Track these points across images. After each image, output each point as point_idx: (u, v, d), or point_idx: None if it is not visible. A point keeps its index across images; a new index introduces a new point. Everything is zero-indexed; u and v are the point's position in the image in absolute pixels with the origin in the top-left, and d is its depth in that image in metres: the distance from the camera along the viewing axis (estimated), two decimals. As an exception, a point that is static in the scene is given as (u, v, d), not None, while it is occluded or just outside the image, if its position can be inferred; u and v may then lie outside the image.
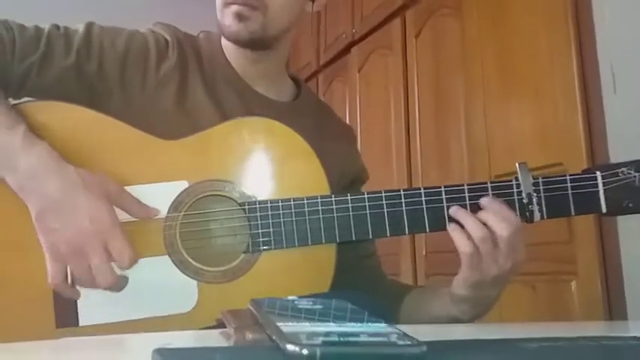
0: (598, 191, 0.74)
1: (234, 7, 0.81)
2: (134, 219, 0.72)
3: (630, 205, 0.74)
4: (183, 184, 0.75)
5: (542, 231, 1.23)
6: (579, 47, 1.31)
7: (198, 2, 1.91)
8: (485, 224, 0.71)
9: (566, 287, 1.29)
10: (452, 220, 0.73)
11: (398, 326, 0.43)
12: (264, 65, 0.89)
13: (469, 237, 0.71)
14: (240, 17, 0.82)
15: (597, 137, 1.27)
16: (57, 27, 0.81)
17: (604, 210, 0.75)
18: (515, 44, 1.49)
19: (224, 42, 0.89)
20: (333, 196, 0.76)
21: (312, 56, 2.59)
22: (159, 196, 0.74)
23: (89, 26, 0.82)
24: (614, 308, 1.21)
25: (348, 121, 2.21)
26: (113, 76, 0.80)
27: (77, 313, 0.71)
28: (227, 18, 0.82)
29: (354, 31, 2.26)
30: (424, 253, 1.76)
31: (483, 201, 0.73)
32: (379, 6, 2.09)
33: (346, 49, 2.33)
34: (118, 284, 0.69)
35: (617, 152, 1.21)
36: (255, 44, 0.85)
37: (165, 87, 0.82)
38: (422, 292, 0.89)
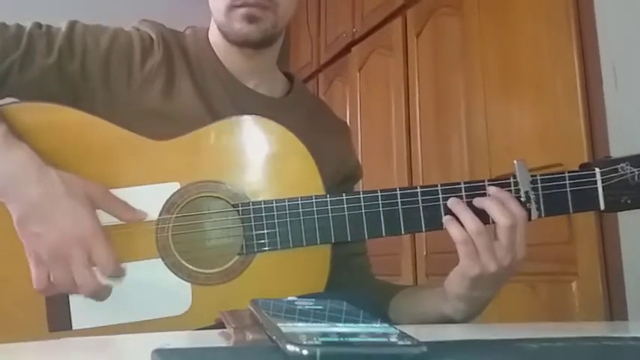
0: (596, 188, 0.73)
1: (244, 10, 0.80)
2: (124, 222, 0.72)
3: (628, 201, 0.73)
4: (175, 186, 0.74)
5: (542, 231, 1.23)
6: (581, 46, 1.31)
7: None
8: (486, 213, 0.71)
9: (567, 287, 1.29)
10: (448, 212, 0.72)
11: (397, 326, 0.43)
12: (257, 61, 0.88)
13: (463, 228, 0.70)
14: (251, 19, 0.80)
15: (598, 137, 1.26)
16: (39, 25, 0.79)
17: (602, 207, 0.74)
18: (516, 43, 1.48)
19: (212, 38, 0.88)
20: (328, 196, 0.75)
21: (313, 56, 2.59)
22: (150, 198, 0.73)
23: (72, 25, 0.81)
24: (614, 308, 1.21)
25: (348, 121, 2.21)
26: (96, 76, 0.79)
27: (70, 316, 0.70)
28: (235, 21, 0.81)
29: (354, 30, 2.26)
30: (425, 253, 1.76)
31: (491, 189, 0.72)
32: (380, 5, 2.09)
33: (346, 49, 2.32)
34: (101, 293, 0.68)
35: (619, 153, 1.20)
36: (264, 43, 0.84)
37: (151, 85, 0.81)
38: (412, 291, 0.87)
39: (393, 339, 0.39)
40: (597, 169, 0.74)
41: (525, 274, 1.27)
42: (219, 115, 0.80)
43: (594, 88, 1.28)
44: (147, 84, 0.81)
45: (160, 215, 0.73)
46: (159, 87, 0.81)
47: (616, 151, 1.22)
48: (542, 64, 1.40)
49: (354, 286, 0.87)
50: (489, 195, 0.72)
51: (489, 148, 1.54)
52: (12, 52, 0.75)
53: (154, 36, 0.84)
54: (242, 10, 0.80)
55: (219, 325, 0.50)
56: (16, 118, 0.72)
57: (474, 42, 1.62)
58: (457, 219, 0.71)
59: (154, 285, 0.72)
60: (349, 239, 0.75)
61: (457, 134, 1.67)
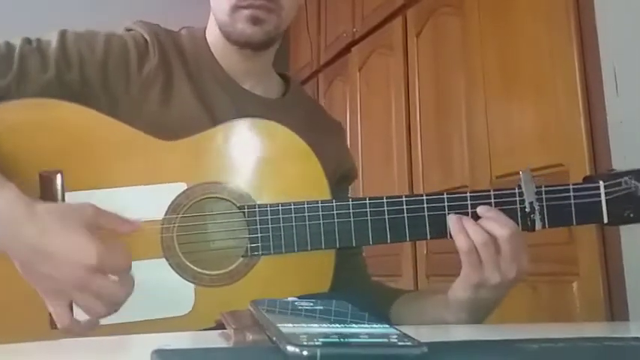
0: (600, 201, 0.75)
1: (249, 11, 0.80)
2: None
3: (631, 215, 0.75)
4: (181, 186, 0.74)
5: (543, 232, 1.22)
6: (581, 47, 1.31)
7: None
8: (485, 230, 0.71)
9: (568, 288, 1.29)
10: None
11: (398, 327, 0.42)
12: (255, 62, 0.88)
13: (469, 237, 0.71)
14: (255, 20, 0.80)
15: (599, 138, 1.26)
16: (29, 41, 0.78)
17: (605, 220, 0.75)
18: (517, 43, 1.48)
19: (210, 38, 0.88)
20: (334, 201, 0.75)
21: (313, 56, 2.59)
22: (156, 197, 0.73)
23: (62, 35, 0.80)
24: (615, 309, 1.21)
25: (348, 121, 2.21)
26: (96, 83, 0.78)
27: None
28: (239, 22, 0.81)
29: (354, 30, 2.26)
30: (425, 253, 1.76)
31: (479, 210, 0.73)
32: (380, 5, 2.09)
33: (347, 49, 2.33)
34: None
35: (619, 154, 1.21)
36: (265, 45, 0.85)
37: (150, 89, 0.80)
38: (415, 297, 0.87)
39: (394, 339, 0.39)
40: (601, 182, 0.75)
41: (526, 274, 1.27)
42: (220, 119, 0.80)
43: (595, 87, 1.28)
44: (145, 88, 0.80)
45: (165, 215, 0.73)
46: (157, 91, 0.80)
47: (617, 150, 1.22)
48: (543, 64, 1.40)
49: (350, 286, 0.87)
50: (480, 214, 0.73)
51: (490, 148, 1.54)
52: (4, 76, 0.74)
53: (148, 38, 0.83)
54: (247, 12, 0.80)
55: (220, 326, 0.50)
56: (22, 115, 0.72)
57: (474, 42, 1.62)
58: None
59: (157, 285, 0.72)
60: (354, 245, 0.75)
61: (457, 134, 1.67)
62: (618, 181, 0.74)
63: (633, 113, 1.20)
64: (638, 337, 0.49)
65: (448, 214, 0.73)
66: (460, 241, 0.71)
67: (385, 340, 0.39)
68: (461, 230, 0.71)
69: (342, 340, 0.38)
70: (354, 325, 0.42)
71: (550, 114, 1.37)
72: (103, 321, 0.70)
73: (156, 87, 0.81)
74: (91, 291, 0.64)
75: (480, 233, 0.71)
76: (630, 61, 1.22)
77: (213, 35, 0.88)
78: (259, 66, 0.89)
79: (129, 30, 0.86)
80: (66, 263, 0.63)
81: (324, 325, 0.42)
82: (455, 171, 1.66)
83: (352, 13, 2.28)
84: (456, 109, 1.68)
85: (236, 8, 0.81)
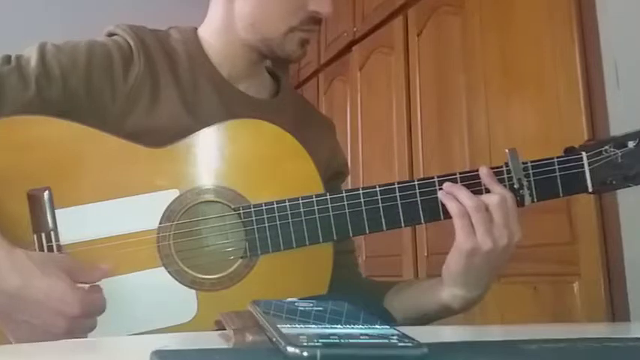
0: (584, 171, 0.76)
1: (304, 34, 0.83)
2: (126, 232, 0.71)
3: (613, 182, 0.76)
4: (174, 193, 0.74)
5: (544, 232, 1.23)
6: (582, 44, 1.31)
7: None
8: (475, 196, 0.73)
9: (569, 288, 1.29)
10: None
11: (398, 327, 0.42)
12: (256, 66, 0.88)
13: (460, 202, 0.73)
14: (304, 43, 0.84)
15: (600, 135, 1.26)
16: (7, 60, 0.76)
17: (590, 189, 0.77)
18: (517, 41, 1.48)
19: (209, 39, 0.86)
20: (327, 194, 0.75)
21: (313, 55, 2.59)
22: (149, 206, 0.73)
23: (42, 49, 0.77)
24: (616, 310, 1.21)
25: (349, 121, 2.21)
26: (80, 95, 0.77)
27: None
28: (291, 43, 0.83)
29: (355, 29, 2.26)
30: (425, 254, 1.76)
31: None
32: (381, 4, 2.09)
33: (347, 48, 2.32)
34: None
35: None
36: None
37: (137, 96, 0.79)
38: (406, 285, 0.87)
39: (394, 340, 0.39)
40: (584, 153, 0.77)
41: (527, 275, 1.27)
42: (208, 122, 0.78)
43: (596, 85, 1.28)
44: (132, 98, 0.79)
45: (160, 223, 0.73)
46: (144, 100, 0.79)
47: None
48: (544, 63, 1.40)
49: (343, 284, 0.87)
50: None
51: (490, 147, 1.54)
52: None
53: (132, 42, 0.81)
54: (302, 35, 0.83)
55: (220, 327, 0.50)
56: (5, 133, 0.71)
57: (475, 41, 1.62)
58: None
59: (158, 294, 0.72)
60: (351, 235, 0.76)
61: (458, 133, 1.67)
62: (599, 150, 0.76)
63: (635, 110, 1.20)
64: (638, 338, 0.49)
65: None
66: (452, 206, 0.73)
67: (385, 340, 0.39)
68: (453, 197, 0.74)
69: (342, 340, 0.38)
70: (353, 326, 0.42)
71: (551, 112, 1.37)
72: (108, 334, 0.68)
73: (143, 94, 0.79)
74: (73, 334, 0.63)
75: (470, 198, 0.73)
76: (632, 59, 1.21)
77: (213, 37, 0.86)
78: (258, 69, 0.90)
79: (112, 34, 0.84)
80: (48, 312, 0.62)
81: (324, 325, 0.42)
82: (456, 170, 1.66)
83: (353, 12, 2.28)
84: (457, 108, 1.68)
85: (292, 30, 0.82)
